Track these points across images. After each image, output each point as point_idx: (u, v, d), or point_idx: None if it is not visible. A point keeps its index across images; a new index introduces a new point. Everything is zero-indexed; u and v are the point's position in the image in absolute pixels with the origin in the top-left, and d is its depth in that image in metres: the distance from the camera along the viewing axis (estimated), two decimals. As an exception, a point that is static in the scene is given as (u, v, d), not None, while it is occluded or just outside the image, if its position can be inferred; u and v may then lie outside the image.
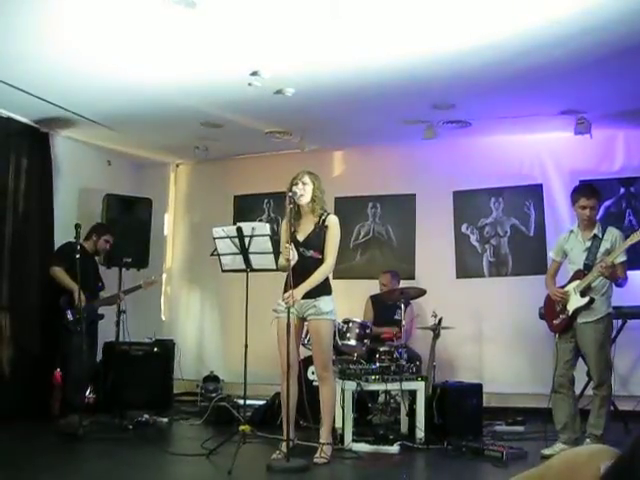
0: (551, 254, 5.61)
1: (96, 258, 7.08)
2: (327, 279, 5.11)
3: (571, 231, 5.45)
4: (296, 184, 5.03)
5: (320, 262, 5.04)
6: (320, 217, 5.10)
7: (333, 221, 5.11)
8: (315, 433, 5.12)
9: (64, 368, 6.54)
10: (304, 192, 5.01)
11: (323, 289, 5.05)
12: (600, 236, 5.22)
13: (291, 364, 4.89)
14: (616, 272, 5.04)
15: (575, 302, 5.18)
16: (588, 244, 5.25)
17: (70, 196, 7.56)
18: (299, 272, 4.87)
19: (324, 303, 5.01)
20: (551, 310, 5.39)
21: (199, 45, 5.12)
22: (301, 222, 5.14)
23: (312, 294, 4.98)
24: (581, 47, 5.02)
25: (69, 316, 6.43)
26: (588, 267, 5.17)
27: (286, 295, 4.82)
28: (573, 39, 4.88)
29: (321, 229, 5.07)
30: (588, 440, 5.05)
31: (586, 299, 5.12)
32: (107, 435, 5.88)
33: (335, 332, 6.11)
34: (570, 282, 5.30)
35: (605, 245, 5.17)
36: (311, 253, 5.03)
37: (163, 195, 9.01)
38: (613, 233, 5.24)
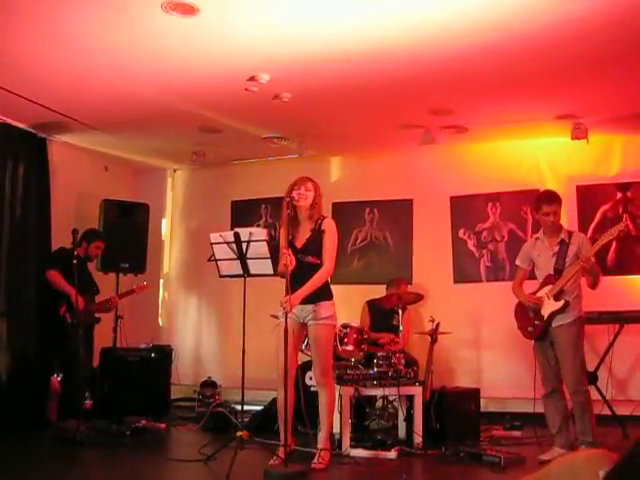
0: (517, 262, 5.60)
1: (88, 263, 7.05)
2: (327, 284, 5.08)
3: (537, 238, 5.47)
4: (297, 189, 5.01)
5: (319, 267, 5.01)
6: (316, 222, 5.10)
7: (329, 224, 5.09)
8: (313, 438, 5.11)
9: (64, 372, 6.54)
10: (306, 197, 5.00)
11: (322, 294, 5.02)
12: (567, 240, 5.25)
13: (288, 369, 4.89)
14: (596, 266, 5.10)
15: (550, 306, 5.18)
16: (556, 249, 5.27)
17: (67, 201, 7.54)
18: (298, 278, 4.85)
19: (324, 308, 4.99)
20: (523, 317, 5.40)
21: (196, 50, 5.13)
22: (299, 228, 5.11)
23: (312, 299, 4.96)
24: (577, 52, 5.04)
25: (68, 320, 6.42)
26: (558, 272, 5.19)
27: (283, 300, 4.81)
28: (569, 44, 4.90)
29: (318, 233, 5.05)
30: (583, 447, 5.02)
31: (561, 302, 5.13)
32: (104, 441, 5.88)
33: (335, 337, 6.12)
34: (541, 287, 5.30)
35: (573, 249, 5.20)
36: (309, 259, 5.01)
37: (160, 200, 9.02)
38: (579, 237, 5.31)
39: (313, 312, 4.98)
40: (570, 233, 5.33)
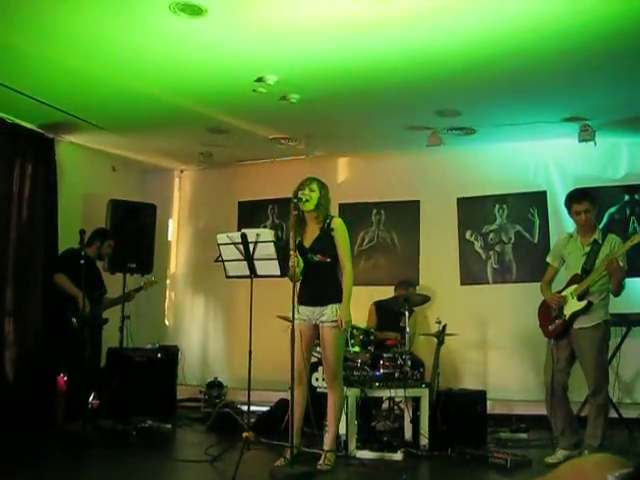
0: (548, 259, 5.50)
1: (98, 263, 7.06)
2: (339, 286, 5.03)
3: (570, 236, 5.37)
4: (302, 189, 5.01)
5: (328, 265, 5.01)
6: (324, 221, 5.08)
7: (339, 223, 5.07)
8: (319, 440, 5.10)
9: (70, 374, 6.53)
10: (309, 198, 4.98)
11: (334, 296, 4.99)
12: (600, 242, 5.14)
13: (301, 371, 4.92)
14: (620, 270, 4.94)
15: (572, 306, 5.09)
16: (587, 249, 5.16)
17: (74, 202, 7.57)
18: (310, 278, 4.88)
19: (336, 311, 4.95)
20: (546, 315, 5.30)
21: (203, 51, 5.14)
22: (306, 229, 5.11)
23: (323, 301, 4.96)
24: (585, 55, 5.03)
25: (75, 324, 6.40)
26: (586, 272, 5.08)
27: (338, 322, 4.87)
28: (577, 47, 4.89)
29: (326, 232, 5.04)
30: (586, 452, 4.92)
31: (584, 302, 5.03)
32: (110, 441, 5.89)
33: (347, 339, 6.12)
34: (567, 287, 5.20)
35: (605, 251, 5.08)
36: (319, 257, 5.00)
37: (168, 201, 9.05)
38: (613, 239, 5.16)
39: (325, 314, 4.96)
40: (605, 234, 5.22)
